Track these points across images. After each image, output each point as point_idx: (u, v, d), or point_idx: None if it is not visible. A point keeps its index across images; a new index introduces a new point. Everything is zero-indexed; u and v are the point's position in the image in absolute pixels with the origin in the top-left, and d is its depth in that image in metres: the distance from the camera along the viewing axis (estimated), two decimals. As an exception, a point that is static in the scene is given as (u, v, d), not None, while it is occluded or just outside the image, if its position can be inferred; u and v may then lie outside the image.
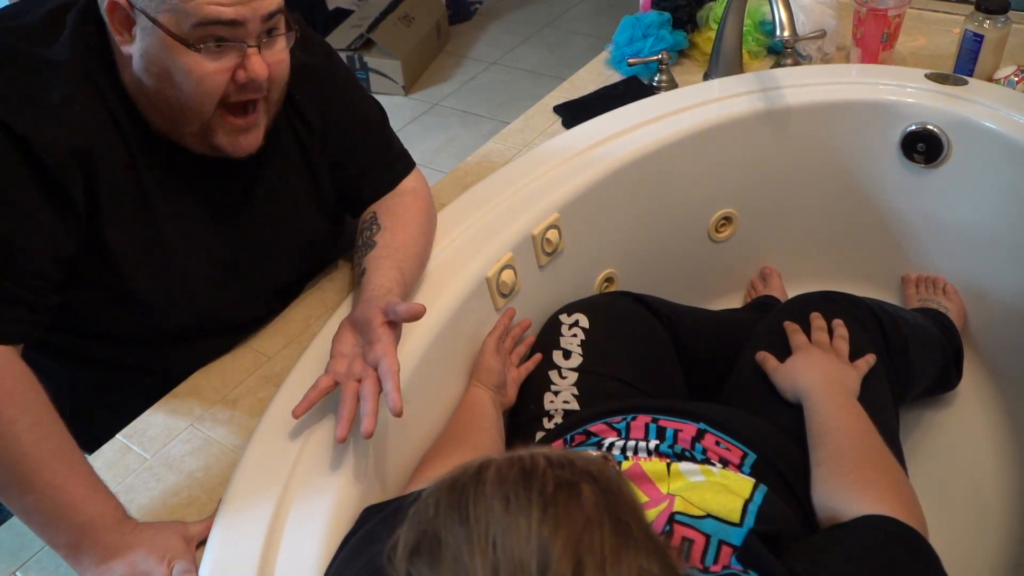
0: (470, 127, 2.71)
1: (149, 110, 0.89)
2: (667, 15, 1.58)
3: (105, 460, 0.94)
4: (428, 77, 3.06)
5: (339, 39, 2.95)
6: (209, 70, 0.83)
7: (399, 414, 0.81)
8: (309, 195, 1.07)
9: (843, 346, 0.99)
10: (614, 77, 1.58)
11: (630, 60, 1.52)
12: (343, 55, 2.92)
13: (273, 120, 0.94)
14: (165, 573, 0.79)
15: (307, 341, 1.01)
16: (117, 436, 0.96)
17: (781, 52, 1.55)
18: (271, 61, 0.86)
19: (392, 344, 0.87)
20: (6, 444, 0.79)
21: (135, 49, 0.84)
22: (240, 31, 0.82)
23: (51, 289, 0.87)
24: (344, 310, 1.03)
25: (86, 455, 0.85)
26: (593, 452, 0.69)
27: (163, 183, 0.93)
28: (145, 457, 0.93)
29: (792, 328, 1.03)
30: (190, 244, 0.97)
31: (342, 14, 3.13)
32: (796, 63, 1.52)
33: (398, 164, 1.13)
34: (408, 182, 1.12)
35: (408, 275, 1.00)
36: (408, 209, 1.08)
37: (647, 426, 0.86)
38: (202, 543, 0.83)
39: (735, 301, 1.51)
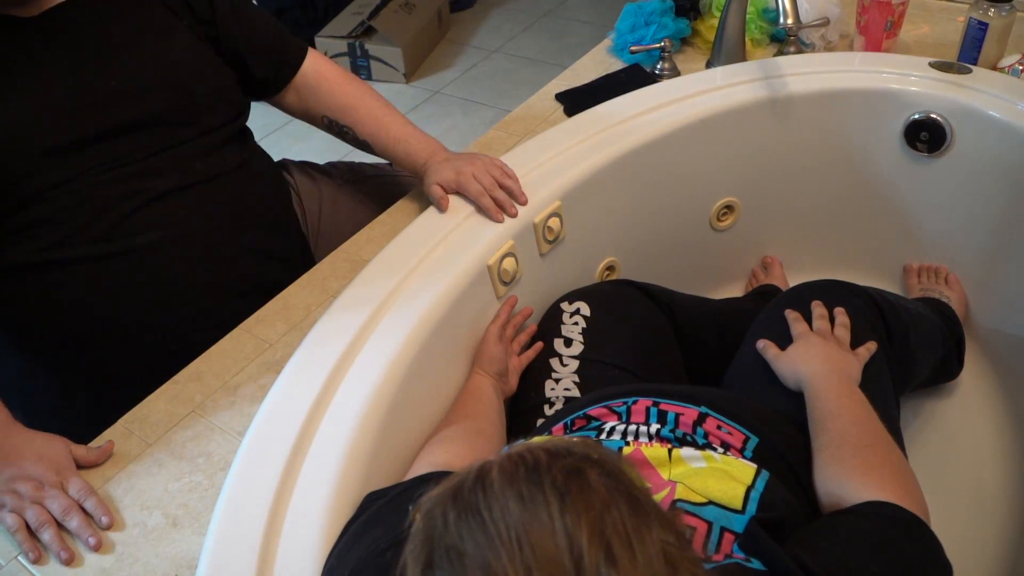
0: (471, 115, 2.70)
1: None
2: (670, 3, 1.57)
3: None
4: (429, 65, 3.05)
5: (340, 26, 2.94)
6: None
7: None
8: (170, 49, 1.12)
9: (844, 334, 0.99)
10: (616, 65, 1.57)
11: (632, 48, 1.51)
12: (343, 42, 2.91)
13: None
14: (55, 481, 0.85)
15: (308, 328, 1.01)
16: (119, 422, 0.96)
17: (784, 40, 1.54)
18: None
19: None
20: None
21: None
22: None
23: None
24: (345, 295, 1.03)
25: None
26: (576, 438, 0.69)
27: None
28: (147, 443, 0.93)
29: (793, 316, 1.03)
30: (28, 98, 1.02)
31: (343, 1, 3.12)
32: (799, 51, 1.51)
33: (297, 43, 1.26)
34: (317, 60, 1.27)
35: (401, 117, 1.24)
36: (338, 84, 1.25)
37: (648, 410, 0.86)
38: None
39: (737, 290, 1.51)
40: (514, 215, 1.13)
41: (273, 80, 1.26)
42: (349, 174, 1.40)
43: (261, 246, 1.18)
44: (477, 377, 1.04)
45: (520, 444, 0.51)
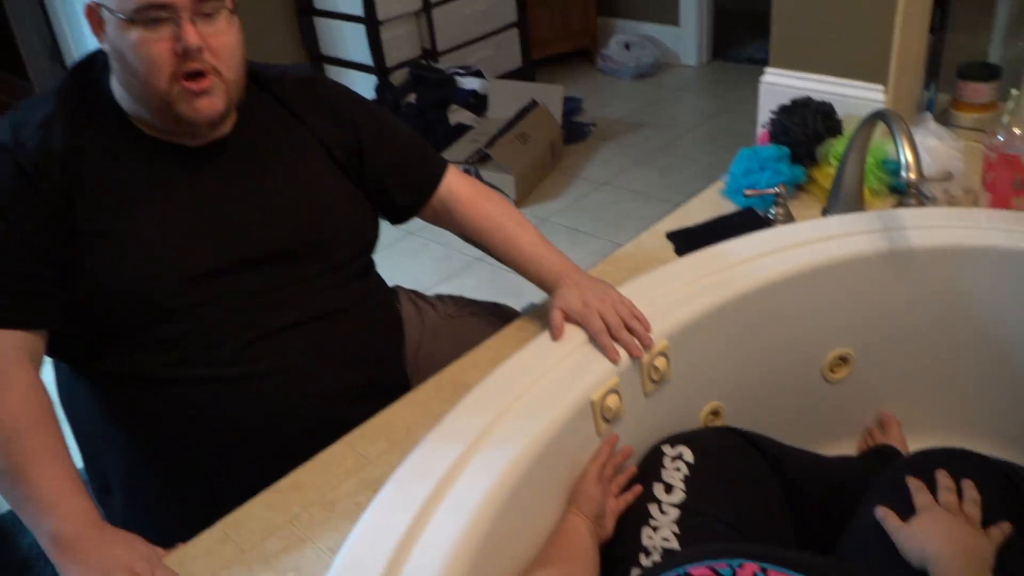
0: (578, 245, 2.74)
1: (127, 103, 1.06)
2: (785, 149, 1.58)
3: (204, 547, 0.95)
4: (540, 193, 3.13)
5: (457, 152, 3.08)
6: (148, 39, 0.99)
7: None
8: (312, 186, 1.17)
9: (974, 511, 0.92)
10: (729, 207, 1.58)
11: (746, 191, 1.52)
12: (460, 167, 3.03)
13: (237, 102, 1.08)
14: (147, 570, 0.90)
15: (408, 447, 1.01)
16: (217, 525, 0.98)
17: (904, 192, 1.52)
18: (207, 33, 1.01)
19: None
20: (9, 438, 0.95)
21: (107, 44, 1.02)
22: (172, 9, 0.98)
23: (43, 279, 1.02)
24: (447, 420, 1.03)
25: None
26: None
27: (147, 174, 1.07)
28: (242, 549, 0.94)
29: (917, 485, 0.97)
30: (172, 225, 1.07)
31: (462, 129, 3.27)
32: (920, 204, 1.48)
33: (436, 161, 1.29)
34: (453, 179, 1.29)
35: (534, 235, 1.27)
36: (472, 205, 1.28)
37: (755, 574, 0.82)
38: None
39: (849, 448, 1.44)
40: (637, 356, 1.12)
41: (412, 207, 1.30)
42: (455, 308, 1.41)
43: (369, 380, 1.19)
44: (573, 518, 1.01)
45: None
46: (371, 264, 1.30)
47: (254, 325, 1.11)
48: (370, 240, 1.26)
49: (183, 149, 1.09)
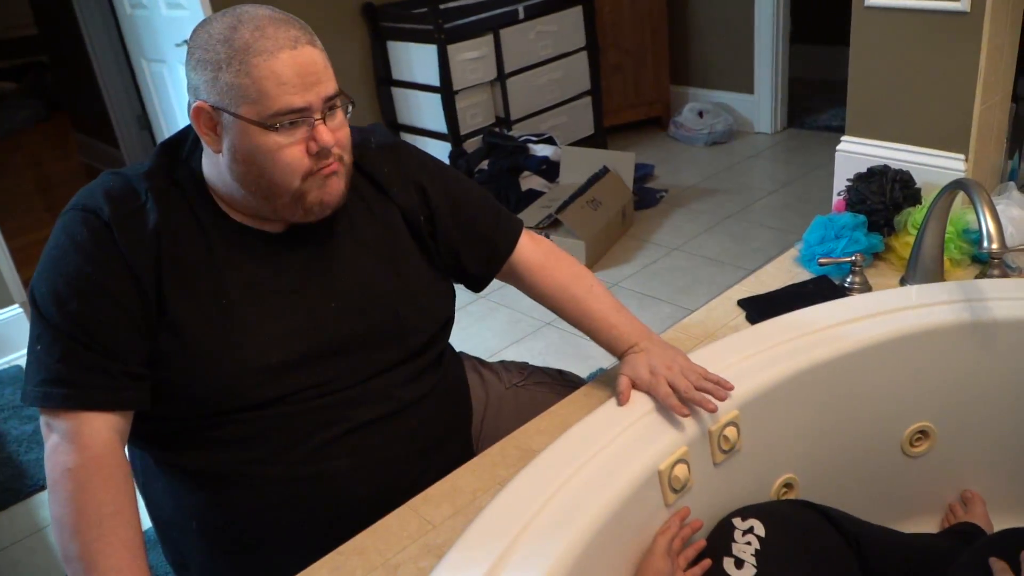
0: (648, 309, 2.72)
1: (231, 197, 1.06)
2: (862, 217, 1.56)
3: (268, 610, 0.95)
4: (610, 258, 3.14)
5: (529, 217, 3.12)
6: (285, 143, 1.00)
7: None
8: (390, 269, 1.16)
9: (1065, 597, 0.87)
10: (802, 275, 1.55)
11: (821, 260, 1.50)
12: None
13: (350, 184, 1.09)
14: None
15: (473, 513, 1.01)
16: (283, 589, 0.98)
17: (987, 262, 1.48)
18: (333, 128, 1.03)
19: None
20: (88, 525, 0.94)
21: (224, 145, 1.01)
22: (307, 112, 0.99)
23: (133, 360, 1.01)
24: (511, 487, 1.02)
25: None
26: None
27: (237, 259, 1.07)
28: (305, 613, 0.94)
29: (1000, 567, 0.92)
30: (263, 312, 1.07)
31: (534, 195, 3.32)
32: (1004, 275, 1.44)
33: (509, 228, 1.28)
34: (525, 246, 1.29)
35: (605, 301, 1.26)
36: (542, 272, 1.29)
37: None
38: None
39: (930, 525, 1.37)
40: (712, 410, 1.11)
41: (486, 275, 1.29)
42: (519, 376, 1.41)
43: (440, 461, 1.18)
44: None
45: None
46: (447, 344, 1.30)
47: (333, 424, 1.10)
48: (448, 321, 1.26)
49: (268, 235, 1.09)
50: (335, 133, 1.03)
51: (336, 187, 1.06)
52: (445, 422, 1.24)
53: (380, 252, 1.16)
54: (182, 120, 3.30)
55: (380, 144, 1.22)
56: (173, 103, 3.30)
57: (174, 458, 1.10)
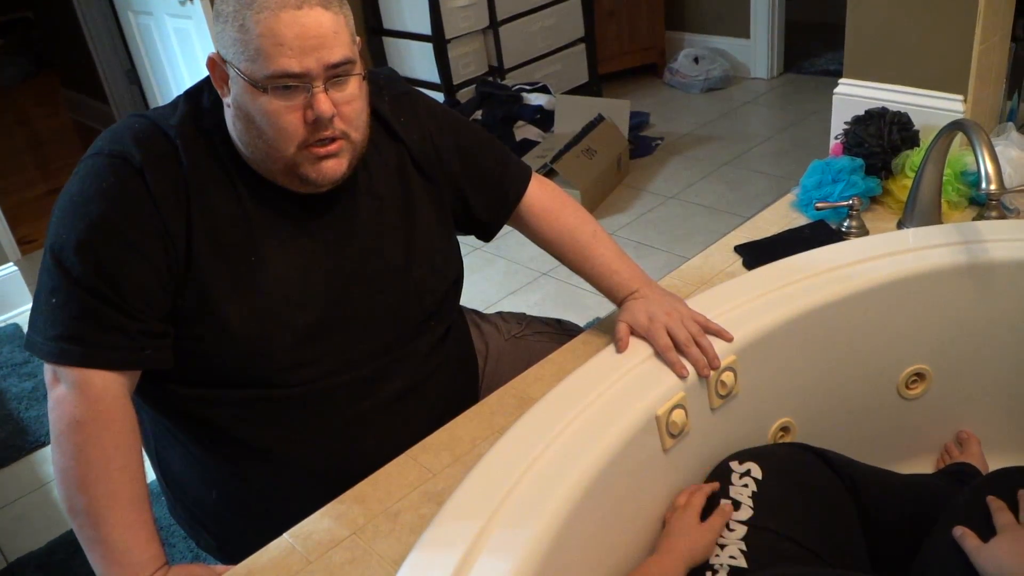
0: (644, 258, 2.72)
1: (246, 153, 1.01)
2: (860, 161, 1.55)
3: (271, 557, 0.97)
4: (606, 207, 3.12)
5: (524, 168, 3.09)
6: (280, 107, 0.94)
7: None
8: (414, 233, 1.14)
9: (1058, 532, 0.88)
10: (799, 220, 1.55)
11: (818, 204, 1.49)
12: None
13: (360, 159, 1.04)
14: None
15: (472, 461, 1.02)
16: (285, 535, 0.99)
17: (985, 204, 1.47)
18: (339, 100, 0.96)
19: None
20: (97, 478, 0.94)
21: (230, 98, 0.98)
22: (306, 78, 0.94)
23: (155, 317, 0.98)
24: (510, 434, 1.03)
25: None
26: None
27: (265, 215, 1.03)
28: (308, 560, 0.95)
29: (998, 505, 0.93)
30: (290, 272, 1.05)
31: (529, 144, 3.29)
32: (1001, 216, 1.43)
33: (517, 174, 1.27)
34: (532, 190, 1.27)
35: (609, 247, 1.26)
36: (548, 216, 1.27)
37: (825, 598, 0.79)
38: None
39: (926, 465, 1.39)
40: (704, 375, 1.11)
41: (496, 223, 1.28)
42: (517, 327, 1.40)
43: (449, 415, 1.18)
44: (680, 564, 0.96)
45: None
46: (458, 305, 1.29)
47: (358, 401, 1.10)
48: (458, 279, 1.25)
49: (291, 193, 1.04)
50: (342, 107, 0.97)
51: (332, 170, 1.00)
52: (460, 387, 1.25)
53: (395, 209, 1.14)
54: (171, 74, 3.25)
55: (394, 95, 1.17)
56: (162, 56, 3.25)
57: (197, 428, 1.10)
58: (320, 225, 1.08)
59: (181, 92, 1.08)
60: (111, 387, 0.96)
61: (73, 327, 0.96)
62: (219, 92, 1.00)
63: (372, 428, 1.13)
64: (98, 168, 0.98)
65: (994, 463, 1.27)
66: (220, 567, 0.98)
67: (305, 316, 1.06)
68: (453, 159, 1.20)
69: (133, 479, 0.97)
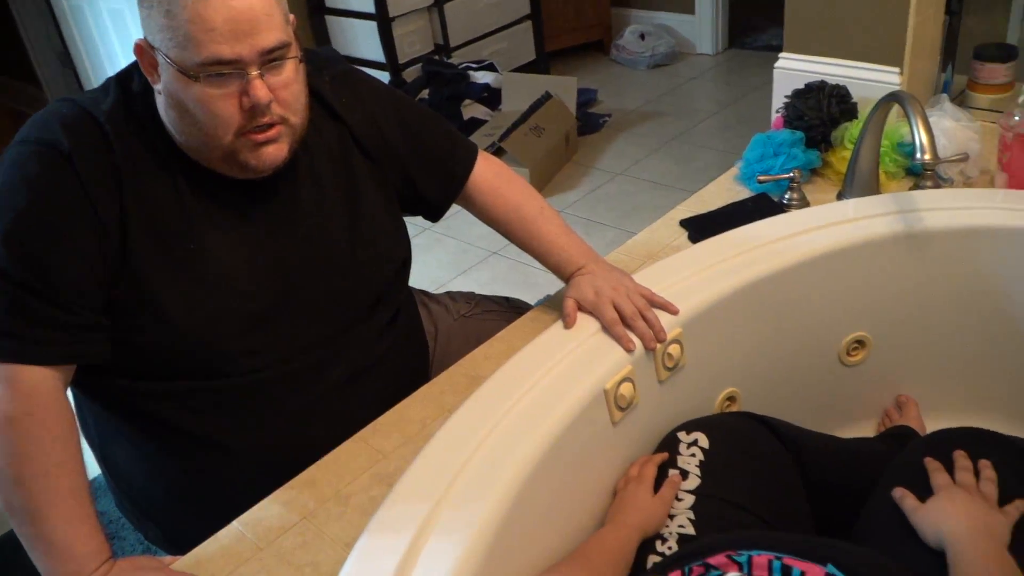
0: (594, 235, 2.73)
1: (181, 140, 0.98)
2: (800, 134, 1.57)
3: (220, 545, 0.96)
4: (555, 185, 3.13)
5: (472, 147, 3.08)
6: (213, 95, 0.92)
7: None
8: (358, 215, 1.12)
9: (991, 489, 0.92)
10: (743, 193, 1.57)
11: (760, 177, 1.51)
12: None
13: (300, 142, 1.02)
14: None
15: (422, 441, 1.02)
16: (234, 523, 0.98)
17: (920, 174, 1.50)
18: (275, 85, 0.94)
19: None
20: (34, 475, 0.91)
21: (160, 85, 0.95)
22: (239, 64, 0.91)
23: (89, 309, 0.95)
24: (460, 413, 1.03)
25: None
26: None
27: (204, 203, 1.01)
28: (259, 547, 0.95)
29: (934, 466, 0.96)
30: (233, 260, 1.02)
31: (476, 123, 3.27)
32: (937, 186, 1.47)
33: (464, 152, 1.25)
34: (478, 168, 1.25)
35: (555, 223, 1.25)
36: (494, 194, 1.25)
37: (771, 563, 0.81)
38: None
39: (867, 430, 1.42)
40: (651, 348, 1.11)
41: (443, 202, 1.26)
42: (466, 307, 1.40)
43: (401, 399, 1.17)
44: (633, 533, 0.97)
45: None
46: (407, 288, 1.28)
47: (305, 388, 1.09)
48: (406, 262, 1.24)
49: (228, 180, 1.01)
50: (279, 91, 0.94)
51: (273, 156, 0.97)
52: (410, 369, 1.24)
53: (338, 193, 1.12)
54: (107, 56, 3.16)
55: (335, 74, 1.15)
56: (96, 38, 3.15)
57: (141, 422, 1.07)
58: (262, 211, 1.06)
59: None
60: (44, 382, 0.93)
61: (2, 322, 0.93)
62: (149, 79, 0.96)
63: (322, 414, 1.12)
64: (25, 156, 0.95)
65: (932, 425, 1.31)
66: (168, 558, 0.97)
67: (250, 304, 1.04)
68: (397, 139, 1.18)
69: (71, 473, 0.94)
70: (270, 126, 0.96)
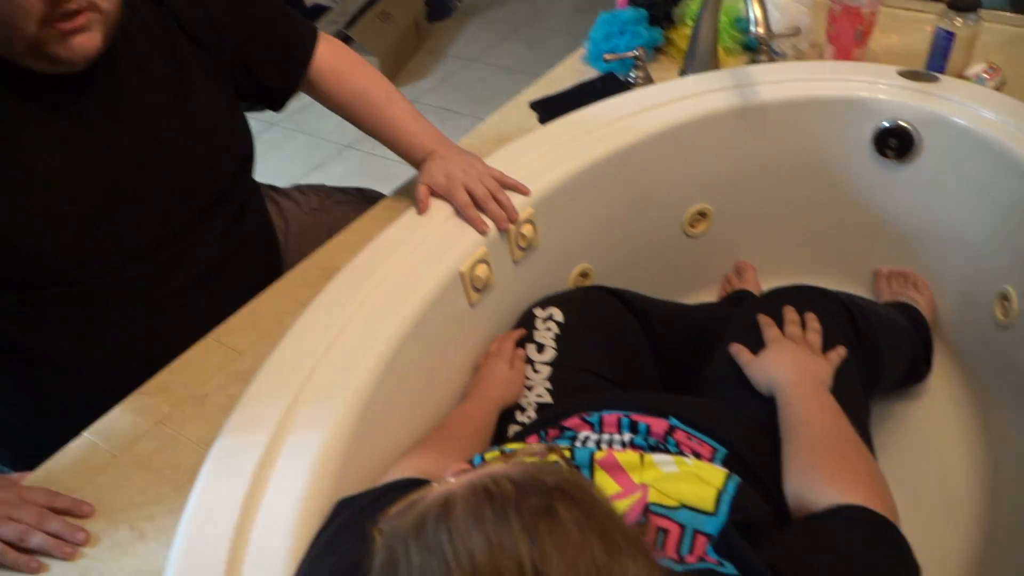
0: (448, 124, 2.70)
1: None
2: (643, 12, 1.58)
3: (73, 458, 0.93)
4: (407, 74, 3.05)
5: (316, 36, 2.94)
6: None
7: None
8: (191, 107, 1.07)
9: (816, 339, 1.00)
10: (590, 73, 1.58)
11: (606, 56, 1.52)
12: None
13: (117, 28, 0.95)
14: (16, 499, 0.84)
15: (278, 336, 1.00)
16: (84, 433, 0.95)
17: (756, 49, 1.55)
18: None
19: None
20: None
21: None
22: None
23: None
24: (316, 303, 1.02)
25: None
26: (540, 445, 0.68)
27: (15, 102, 0.93)
28: (113, 455, 0.92)
29: (766, 322, 1.03)
30: (55, 161, 0.96)
31: (319, 10, 3.11)
32: (771, 60, 1.52)
33: (303, 34, 1.20)
34: (320, 51, 1.21)
35: (403, 108, 1.22)
36: (339, 78, 1.21)
37: (619, 420, 0.86)
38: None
39: (710, 295, 1.52)
40: (504, 229, 1.12)
41: (284, 89, 1.21)
42: (317, 200, 1.36)
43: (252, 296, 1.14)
44: (492, 405, 1.01)
45: (487, 470, 0.50)
46: (253, 185, 1.23)
47: (149, 293, 1.04)
48: (248, 157, 1.18)
49: (49, 77, 0.93)
50: None
51: (84, 46, 0.90)
52: (261, 267, 1.21)
53: (167, 83, 1.05)
54: None
55: None
56: None
57: None
58: (82, 107, 0.98)
59: None
60: None
61: None
62: None
63: (170, 319, 1.08)
64: None
65: (768, 286, 1.41)
66: (16, 475, 0.93)
67: (80, 207, 0.98)
68: (228, 21, 1.11)
69: None
70: (77, 13, 0.88)
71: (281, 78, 1.19)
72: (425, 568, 0.45)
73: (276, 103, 1.23)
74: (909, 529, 0.72)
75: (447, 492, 0.48)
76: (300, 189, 1.39)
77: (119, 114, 1.01)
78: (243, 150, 1.17)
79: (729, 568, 0.64)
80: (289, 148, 2.66)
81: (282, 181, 1.42)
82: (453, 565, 0.44)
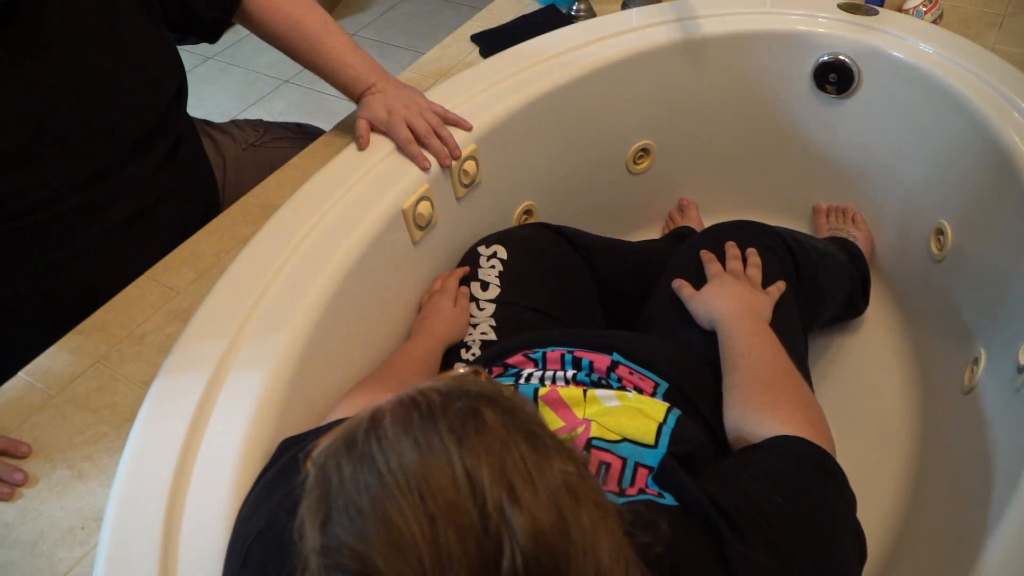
0: (388, 58, 2.64)
1: None
2: (587, -58, 1.55)
3: (8, 398, 0.90)
4: (345, 8, 2.96)
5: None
6: None
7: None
8: (119, 38, 1.03)
9: (756, 274, 1.02)
10: (532, 6, 1.55)
11: (549, -12, 1.49)
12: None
13: None
14: None
15: (216, 275, 0.98)
16: (20, 373, 0.92)
17: (699, -18, 1.54)
18: None
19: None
20: None
21: None
22: None
23: None
24: (255, 242, 1.00)
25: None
26: (466, 367, 0.68)
27: None
28: (50, 395, 0.90)
29: (708, 257, 1.05)
30: None
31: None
32: (714, -7, 1.51)
33: None
34: None
35: (341, 39, 1.17)
36: (274, 7, 1.16)
37: (563, 357, 0.87)
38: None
39: (653, 232, 1.53)
40: (447, 165, 1.11)
41: (219, 19, 1.16)
42: (254, 135, 1.33)
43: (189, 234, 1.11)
44: (436, 344, 1.01)
45: (412, 388, 0.50)
46: (186, 119, 1.18)
47: (79, 232, 1.00)
48: (180, 91, 1.14)
49: None
50: None
51: None
52: (197, 204, 1.17)
53: (93, 11, 1.00)
54: None
55: None
56: None
57: None
58: (3, 37, 0.92)
59: None
60: None
61: None
62: None
63: (103, 259, 1.05)
64: None
65: (709, 223, 1.42)
66: None
67: (7, 141, 0.93)
68: None
69: None
70: None
71: (214, 7, 1.15)
72: (358, 479, 0.45)
73: (210, 35, 1.19)
74: (844, 460, 0.74)
75: (374, 408, 0.48)
76: (237, 124, 1.35)
77: (41, 44, 0.96)
78: (175, 85, 1.13)
79: (668, 499, 0.65)
80: (225, 83, 2.57)
81: (219, 117, 1.38)
82: (384, 470, 0.44)
